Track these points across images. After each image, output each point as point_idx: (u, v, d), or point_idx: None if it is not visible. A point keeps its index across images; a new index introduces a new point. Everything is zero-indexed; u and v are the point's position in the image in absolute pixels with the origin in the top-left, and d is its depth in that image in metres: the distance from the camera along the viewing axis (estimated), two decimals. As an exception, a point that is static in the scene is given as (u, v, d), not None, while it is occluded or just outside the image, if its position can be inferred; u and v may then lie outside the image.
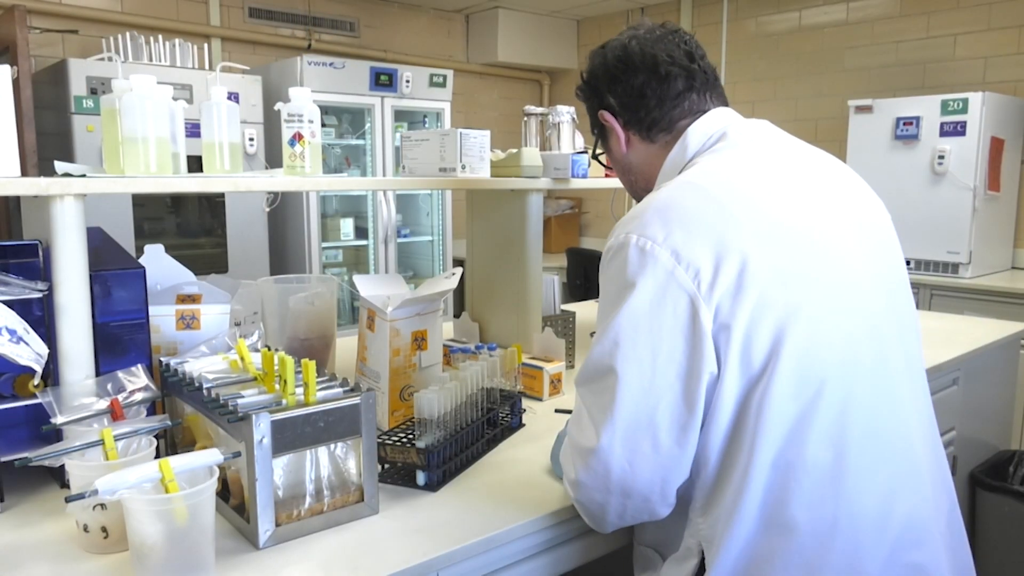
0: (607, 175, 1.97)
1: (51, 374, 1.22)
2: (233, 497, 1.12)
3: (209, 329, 1.39)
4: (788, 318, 0.96)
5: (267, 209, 4.06)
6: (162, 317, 1.36)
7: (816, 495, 0.95)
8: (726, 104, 1.20)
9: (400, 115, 4.50)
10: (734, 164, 1.08)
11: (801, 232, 1.01)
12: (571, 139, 1.98)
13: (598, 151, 1.34)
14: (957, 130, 3.69)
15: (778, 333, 0.95)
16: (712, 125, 1.15)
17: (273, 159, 3.95)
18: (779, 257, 0.98)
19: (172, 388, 1.25)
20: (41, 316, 1.25)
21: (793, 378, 0.95)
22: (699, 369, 0.95)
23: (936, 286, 3.72)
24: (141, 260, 1.36)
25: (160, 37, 3.96)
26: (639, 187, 1.26)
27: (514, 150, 1.83)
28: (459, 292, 2.00)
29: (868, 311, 1.03)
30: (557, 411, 1.61)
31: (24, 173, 1.20)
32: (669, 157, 1.17)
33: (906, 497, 1.00)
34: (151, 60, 3.86)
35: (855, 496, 0.97)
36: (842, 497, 0.96)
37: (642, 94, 1.16)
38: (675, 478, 1.00)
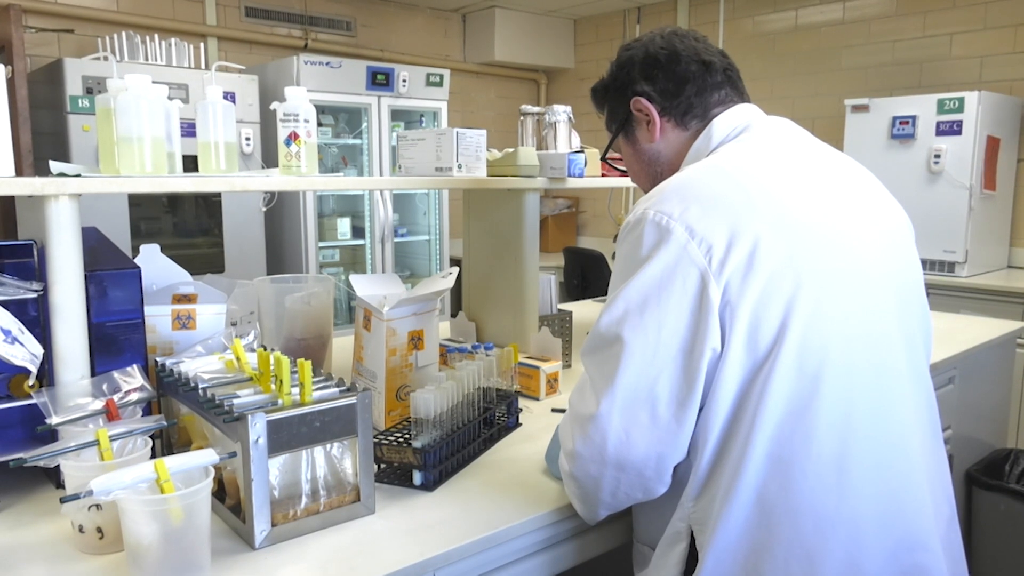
0: (604, 174, 1.97)
1: (46, 374, 1.22)
2: (229, 497, 1.11)
3: (205, 329, 1.39)
4: (795, 304, 0.97)
5: (263, 209, 4.05)
6: (158, 317, 1.36)
7: (819, 485, 0.96)
8: (750, 102, 1.23)
9: (397, 114, 4.50)
10: (755, 152, 1.11)
11: (814, 225, 1.03)
12: (567, 138, 1.98)
13: (609, 155, 1.33)
14: (953, 129, 3.69)
15: (785, 317, 0.96)
16: (737, 118, 1.18)
17: (269, 159, 3.94)
18: (791, 244, 0.99)
19: (168, 388, 1.25)
20: (36, 316, 1.25)
21: (796, 364, 0.96)
22: (702, 344, 0.97)
23: (932, 285, 3.73)
24: (137, 260, 1.35)
25: (156, 36, 3.95)
26: (664, 178, 1.23)
27: (511, 149, 1.83)
28: (456, 291, 2.00)
29: (876, 309, 1.04)
30: (554, 410, 1.61)
31: (19, 173, 1.20)
32: (694, 146, 1.19)
33: (913, 498, 1.01)
34: (147, 59, 3.85)
35: (858, 490, 0.97)
36: (845, 489, 0.96)
37: (685, 80, 1.19)
38: (671, 455, 1.01)
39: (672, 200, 1.02)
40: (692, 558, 1.02)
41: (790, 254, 0.98)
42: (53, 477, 1.23)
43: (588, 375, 1.06)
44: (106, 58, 3.39)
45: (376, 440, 1.24)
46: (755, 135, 1.15)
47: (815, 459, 0.96)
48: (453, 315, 2.10)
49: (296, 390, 1.10)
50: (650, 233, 1.01)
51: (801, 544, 0.95)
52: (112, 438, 1.06)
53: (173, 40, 3.98)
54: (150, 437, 1.13)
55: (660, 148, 1.23)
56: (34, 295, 1.18)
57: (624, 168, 1.36)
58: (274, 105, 1.46)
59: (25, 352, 1.12)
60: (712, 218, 0.99)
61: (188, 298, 1.39)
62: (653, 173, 1.27)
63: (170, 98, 1.36)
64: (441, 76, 4.52)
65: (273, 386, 1.12)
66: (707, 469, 1.00)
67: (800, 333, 0.96)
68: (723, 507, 0.97)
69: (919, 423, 1.06)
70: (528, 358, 1.75)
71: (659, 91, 1.20)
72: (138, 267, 1.28)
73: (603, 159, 1.38)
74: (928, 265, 3.82)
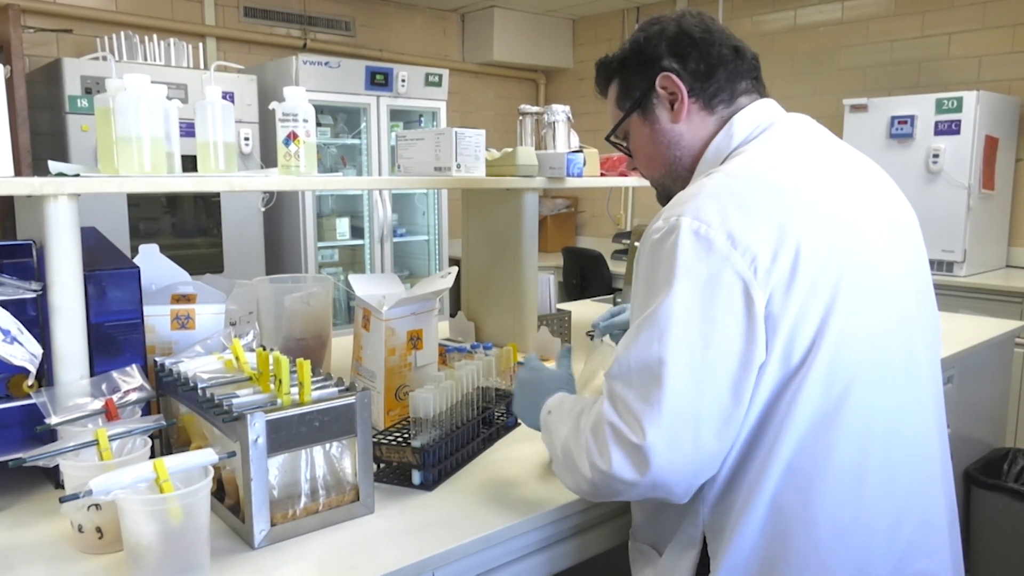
0: (603, 174, 1.97)
1: (45, 374, 1.22)
2: (228, 497, 1.11)
3: (204, 329, 1.39)
4: (831, 312, 0.94)
5: (262, 209, 4.05)
6: (157, 317, 1.36)
7: (839, 494, 0.95)
8: (768, 96, 1.18)
9: (396, 114, 4.50)
10: (784, 153, 1.07)
11: (845, 226, 1.00)
12: (566, 138, 1.98)
13: (618, 138, 1.25)
14: (951, 129, 3.70)
15: (821, 326, 0.94)
16: (759, 116, 1.13)
17: (268, 159, 3.94)
18: (829, 249, 0.96)
19: (167, 388, 1.25)
20: (35, 316, 1.25)
21: (826, 375, 0.94)
22: (750, 360, 0.92)
23: (931, 284, 3.73)
24: (136, 260, 1.35)
25: (155, 36, 3.95)
26: (683, 164, 1.17)
27: (509, 149, 1.83)
28: (455, 291, 2.00)
29: (899, 311, 1.03)
30: (553, 410, 1.61)
31: (18, 173, 1.20)
32: (714, 143, 1.13)
33: (920, 503, 1.00)
34: (146, 59, 3.85)
35: (874, 498, 0.96)
36: (863, 498, 0.95)
37: (719, 62, 1.12)
38: (706, 473, 0.96)
39: (709, 207, 0.95)
40: (703, 564, 1.01)
41: (828, 259, 0.96)
42: (52, 477, 1.23)
43: (621, 397, 0.95)
44: (105, 58, 3.39)
45: (375, 440, 1.24)
46: (779, 134, 1.10)
47: (836, 469, 0.94)
48: (452, 315, 2.10)
49: (295, 390, 1.10)
50: (687, 243, 0.94)
51: (816, 554, 0.94)
52: (111, 438, 1.06)
53: (172, 40, 3.98)
54: (149, 437, 1.13)
55: (682, 130, 1.15)
56: (33, 295, 1.18)
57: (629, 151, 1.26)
58: (273, 105, 1.46)
59: (24, 352, 1.12)
60: (754, 225, 0.94)
61: (187, 298, 1.39)
62: (671, 157, 1.17)
63: (169, 98, 1.36)
64: (440, 76, 4.52)
65: (272, 386, 1.12)
66: (726, 478, 0.98)
67: (834, 343, 0.94)
68: (740, 516, 0.95)
69: (936, 424, 1.05)
70: (527, 358, 1.75)
71: (690, 71, 1.13)
72: (137, 267, 1.28)
73: (608, 139, 1.30)
74: (927, 265, 3.82)
